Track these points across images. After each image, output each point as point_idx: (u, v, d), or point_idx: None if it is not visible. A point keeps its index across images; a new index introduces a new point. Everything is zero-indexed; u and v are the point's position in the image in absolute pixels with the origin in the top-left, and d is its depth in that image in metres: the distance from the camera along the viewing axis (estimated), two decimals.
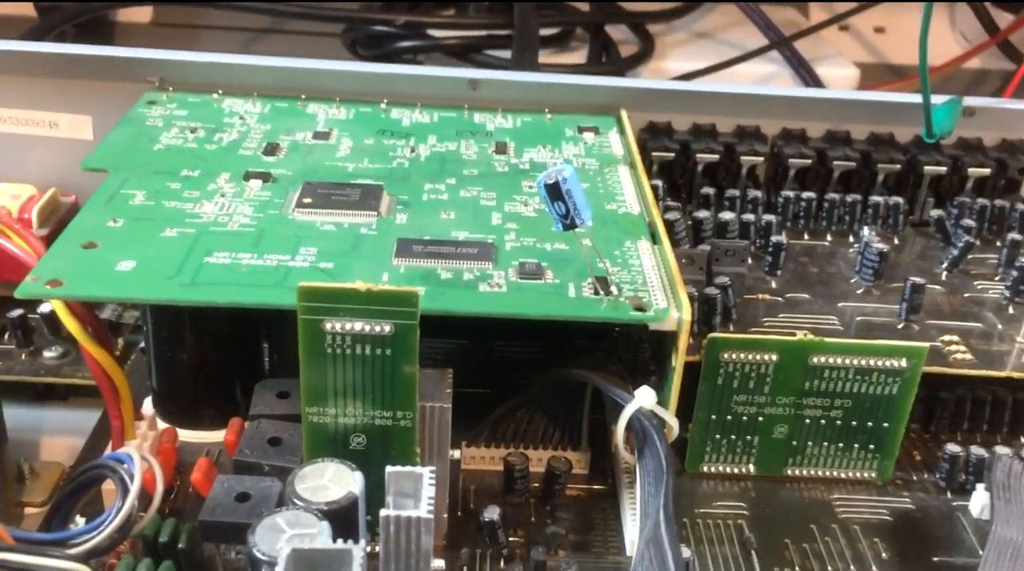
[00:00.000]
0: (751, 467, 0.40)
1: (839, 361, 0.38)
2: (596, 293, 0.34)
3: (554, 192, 0.32)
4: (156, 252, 0.35)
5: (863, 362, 0.38)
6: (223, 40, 0.84)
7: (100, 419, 0.42)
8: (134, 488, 0.30)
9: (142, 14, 0.85)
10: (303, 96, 0.50)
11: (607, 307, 0.34)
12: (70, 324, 0.34)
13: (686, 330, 0.33)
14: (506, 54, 0.71)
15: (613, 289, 0.35)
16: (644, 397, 0.34)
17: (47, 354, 0.45)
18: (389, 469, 0.30)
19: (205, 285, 0.33)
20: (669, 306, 0.34)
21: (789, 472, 0.40)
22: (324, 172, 0.42)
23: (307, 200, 0.39)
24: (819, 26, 0.79)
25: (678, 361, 0.34)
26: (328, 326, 0.31)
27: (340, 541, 0.28)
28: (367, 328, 0.31)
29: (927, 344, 0.38)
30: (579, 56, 0.75)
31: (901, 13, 0.86)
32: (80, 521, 0.34)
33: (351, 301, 0.31)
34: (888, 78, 0.84)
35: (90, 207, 0.38)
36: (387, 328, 0.31)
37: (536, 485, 0.39)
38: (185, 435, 0.40)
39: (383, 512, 0.29)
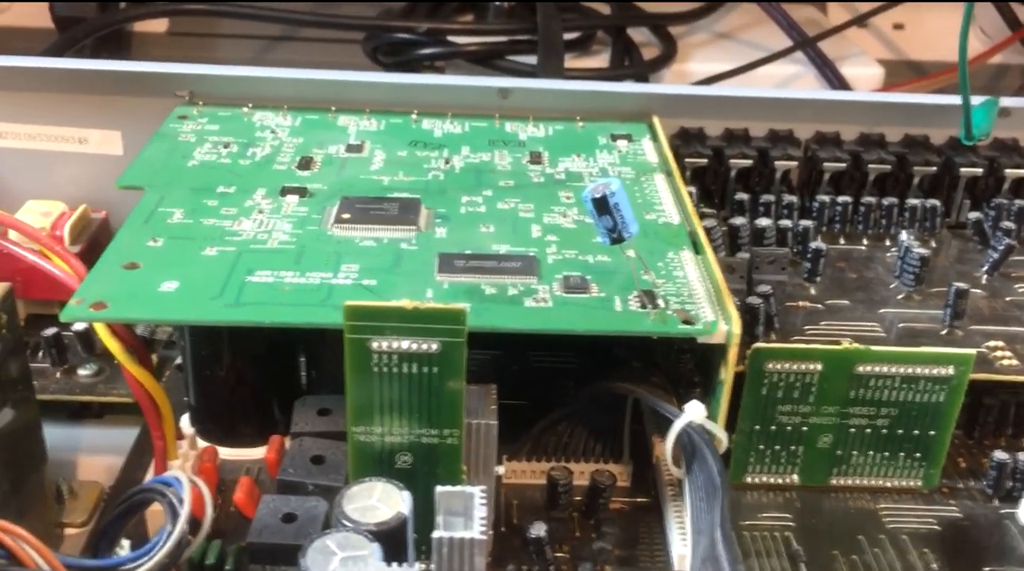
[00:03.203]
0: (795, 477, 0.39)
1: (885, 369, 0.37)
2: (643, 307, 0.34)
3: (601, 206, 0.32)
4: (198, 272, 0.35)
5: (909, 370, 0.37)
6: (241, 49, 0.84)
7: (138, 437, 0.42)
8: (184, 512, 0.30)
9: (158, 24, 0.85)
10: (333, 108, 0.49)
11: (655, 321, 0.33)
12: (112, 345, 0.34)
13: (736, 343, 0.33)
14: (528, 59, 0.71)
15: (660, 302, 0.34)
16: (694, 411, 0.33)
17: (82, 372, 0.45)
18: (439, 489, 0.30)
19: (249, 305, 0.33)
20: (717, 319, 0.33)
21: (834, 482, 0.40)
22: (360, 186, 0.42)
23: (346, 215, 0.39)
24: (842, 26, 0.78)
25: (728, 374, 0.33)
26: (375, 345, 0.31)
27: (395, 564, 0.28)
28: (414, 346, 0.31)
29: (974, 351, 0.38)
30: (601, 60, 0.75)
31: (920, 9, 0.85)
32: (125, 544, 0.34)
33: (398, 319, 0.31)
34: (909, 75, 0.83)
35: (129, 227, 0.37)
36: (434, 346, 0.31)
37: (579, 499, 0.38)
38: (223, 452, 0.40)
39: (435, 534, 0.29)
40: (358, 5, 0.80)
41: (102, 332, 0.34)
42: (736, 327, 0.33)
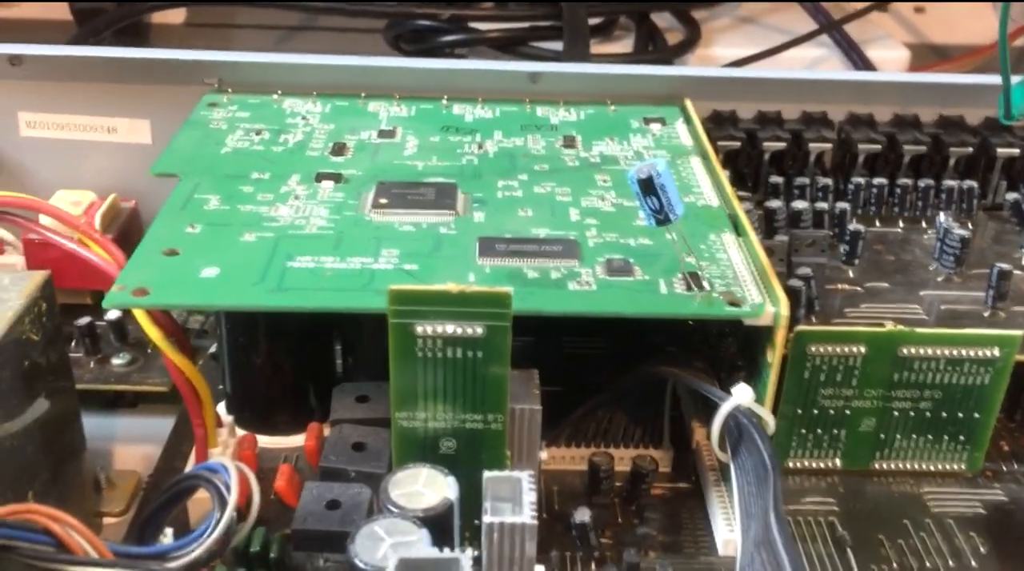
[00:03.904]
0: (838, 461, 0.39)
1: (929, 352, 0.37)
2: (688, 289, 0.34)
3: (647, 187, 0.32)
4: (238, 257, 0.34)
5: (954, 352, 0.37)
6: (259, 39, 0.83)
7: (175, 426, 0.42)
8: (232, 499, 0.30)
9: (176, 15, 0.84)
10: (363, 94, 0.49)
11: (701, 303, 0.33)
12: (152, 332, 0.34)
13: (783, 325, 0.32)
14: (551, 46, 0.70)
15: (705, 284, 0.34)
16: (742, 395, 0.33)
17: (115, 361, 0.45)
18: (487, 474, 0.30)
19: (292, 290, 0.33)
20: (764, 300, 0.33)
21: (876, 466, 0.39)
22: (394, 171, 0.42)
23: (383, 200, 0.38)
24: (864, 10, 0.78)
25: (775, 357, 0.33)
26: (419, 329, 0.31)
27: (447, 549, 0.28)
28: (459, 330, 0.31)
29: (1020, 332, 0.37)
30: (624, 46, 0.75)
31: None
32: (167, 532, 0.33)
33: (443, 303, 0.30)
34: (931, 58, 0.83)
35: (166, 214, 0.37)
36: (479, 330, 0.31)
37: (619, 485, 0.38)
38: (260, 440, 0.39)
39: (486, 519, 0.29)
40: None
41: (142, 319, 0.34)
42: (784, 308, 0.33)
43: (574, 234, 0.37)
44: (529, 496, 0.29)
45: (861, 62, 0.72)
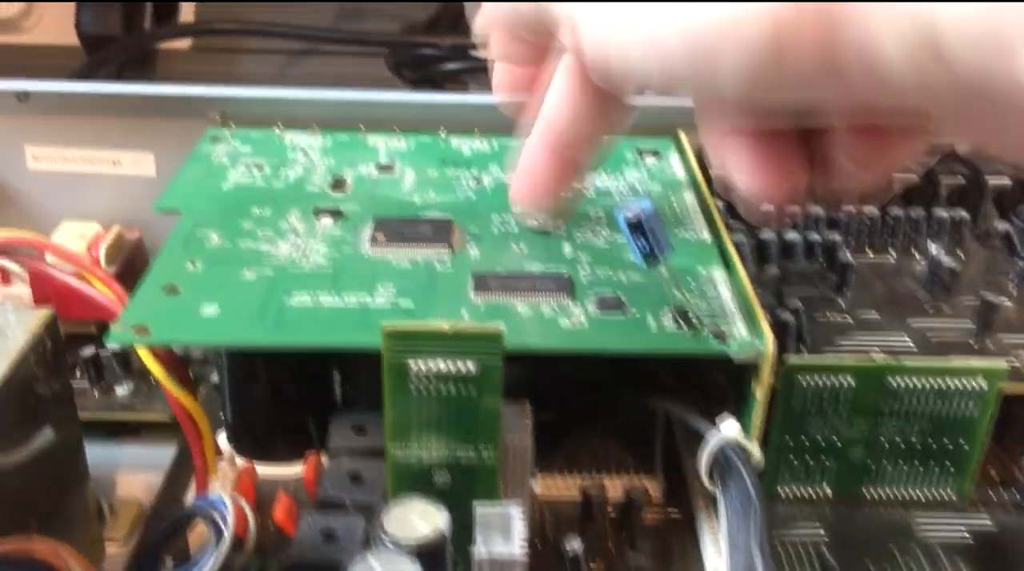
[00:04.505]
0: (827, 490, 0.40)
1: (916, 383, 0.38)
2: (677, 325, 0.34)
3: (636, 228, 0.32)
4: (237, 295, 0.35)
5: (941, 383, 0.38)
6: (265, 63, 0.85)
7: (176, 455, 0.43)
8: (228, 532, 0.30)
9: (182, 41, 0.86)
10: (362, 127, 0.50)
11: (689, 340, 0.34)
12: (154, 368, 0.35)
13: (770, 361, 0.33)
14: None
15: (693, 320, 0.34)
16: (729, 428, 0.34)
17: (119, 391, 0.46)
18: (477, 507, 0.30)
19: (289, 329, 0.34)
20: (751, 337, 0.34)
21: (866, 494, 0.40)
22: (392, 206, 0.42)
23: (380, 237, 0.39)
24: None
25: (761, 392, 0.34)
26: (413, 366, 0.31)
27: None
28: (452, 367, 0.31)
29: (1006, 364, 0.38)
30: None
31: None
32: (168, 563, 0.34)
33: (436, 341, 0.31)
34: None
35: (168, 251, 0.38)
36: (472, 366, 0.32)
37: (612, 513, 0.39)
38: (259, 469, 0.40)
39: (476, 553, 0.29)
40: (382, 19, 0.80)
41: (144, 355, 0.35)
42: (769, 345, 0.33)
43: (566, 269, 0.38)
44: (520, 529, 0.30)
45: None
